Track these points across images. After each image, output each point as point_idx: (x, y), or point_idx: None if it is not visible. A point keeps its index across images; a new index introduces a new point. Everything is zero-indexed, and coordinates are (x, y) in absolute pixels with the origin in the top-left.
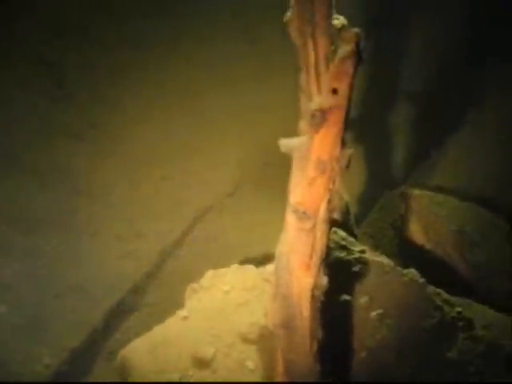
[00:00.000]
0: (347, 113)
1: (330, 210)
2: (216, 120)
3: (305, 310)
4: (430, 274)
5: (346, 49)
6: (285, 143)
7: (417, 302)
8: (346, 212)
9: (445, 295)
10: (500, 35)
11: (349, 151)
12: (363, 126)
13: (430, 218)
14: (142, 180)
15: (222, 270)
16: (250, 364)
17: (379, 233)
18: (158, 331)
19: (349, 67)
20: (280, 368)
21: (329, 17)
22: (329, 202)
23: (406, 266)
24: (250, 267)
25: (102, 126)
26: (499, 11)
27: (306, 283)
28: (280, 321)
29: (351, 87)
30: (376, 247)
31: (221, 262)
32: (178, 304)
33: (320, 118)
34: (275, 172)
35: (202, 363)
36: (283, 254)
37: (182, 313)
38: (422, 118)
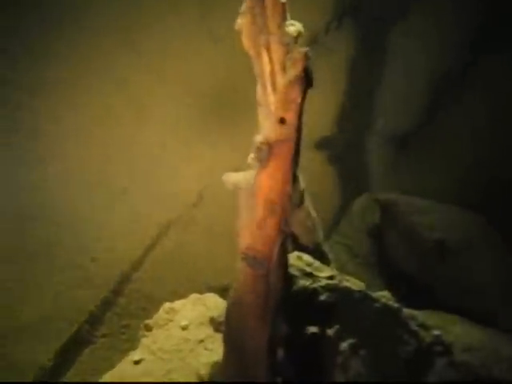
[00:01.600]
0: (297, 144)
1: (284, 253)
2: None
3: (260, 364)
4: (408, 287)
5: (291, 73)
6: (229, 178)
7: (391, 329)
8: (313, 230)
9: (421, 318)
10: None
11: (301, 186)
12: (330, 131)
13: (408, 225)
14: (94, 193)
15: (179, 303)
16: None
17: (355, 243)
18: (109, 378)
19: (296, 94)
20: None
21: (283, 23)
22: (282, 243)
23: (383, 282)
24: (211, 296)
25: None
26: None
27: (261, 334)
28: (234, 376)
29: (300, 116)
30: (352, 256)
31: (184, 285)
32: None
33: (267, 151)
34: None
35: None
36: (234, 304)
37: (134, 356)
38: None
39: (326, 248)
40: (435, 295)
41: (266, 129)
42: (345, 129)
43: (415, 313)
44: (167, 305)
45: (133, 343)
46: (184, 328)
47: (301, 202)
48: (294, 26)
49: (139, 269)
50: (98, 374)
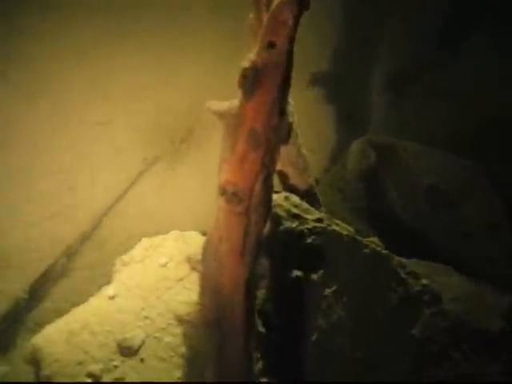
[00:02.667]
0: (287, 73)
1: (267, 190)
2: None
3: (237, 305)
4: (398, 234)
5: None
6: (213, 106)
7: (378, 275)
8: (304, 170)
9: (410, 266)
10: None
11: (288, 120)
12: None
13: (401, 170)
14: (75, 125)
15: (159, 238)
16: (185, 351)
17: (346, 186)
18: (78, 314)
19: (288, 15)
20: (211, 368)
21: None
22: (265, 180)
23: (372, 228)
24: (193, 234)
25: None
26: None
27: (239, 275)
28: (211, 319)
29: (292, 40)
30: (344, 200)
31: (165, 223)
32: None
33: (252, 78)
34: None
35: (128, 351)
36: (211, 242)
37: (108, 291)
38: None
39: (316, 189)
40: (426, 243)
41: (253, 53)
42: (342, 67)
43: (405, 261)
44: (145, 240)
45: (110, 278)
46: (163, 265)
47: (288, 136)
48: None
49: (122, 203)
50: (73, 307)
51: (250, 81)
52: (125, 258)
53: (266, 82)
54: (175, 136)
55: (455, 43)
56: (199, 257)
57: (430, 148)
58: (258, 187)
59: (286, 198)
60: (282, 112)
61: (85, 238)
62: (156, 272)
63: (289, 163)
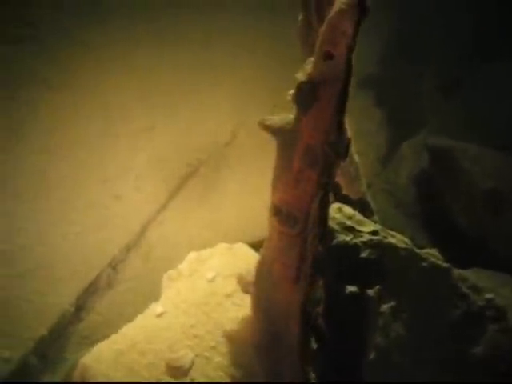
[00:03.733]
0: (346, 86)
1: (324, 210)
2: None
3: (292, 331)
4: (457, 242)
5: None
6: (266, 122)
7: (438, 290)
8: (355, 178)
9: (472, 280)
10: None
11: (347, 136)
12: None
13: (458, 174)
14: (119, 132)
15: (206, 252)
16: (236, 371)
17: (398, 190)
18: (127, 333)
19: (347, 25)
20: None
21: None
22: (322, 199)
23: (427, 235)
24: (241, 246)
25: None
26: None
27: (293, 300)
28: (263, 343)
29: (351, 51)
30: (396, 205)
31: (214, 231)
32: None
33: (309, 93)
34: None
35: (178, 372)
36: (264, 263)
37: (156, 308)
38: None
39: (369, 198)
40: (487, 251)
41: (310, 66)
42: (392, 66)
43: (466, 274)
44: (193, 254)
45: (157, 289)
46: (211, 280)
47: (346, 152)
48: None
49: (167, 211)
50: (120, 321)
51: (306, 95)
52: (172, 273)
53: (324, 96)
54: (219, 139)
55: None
56: (250, 276)
57: (488, 150)
58: (314, 207)
59: (339, 210)
60: (340, 127)
61: (130, 247)
62: (204, 287)
63: (340, 172)
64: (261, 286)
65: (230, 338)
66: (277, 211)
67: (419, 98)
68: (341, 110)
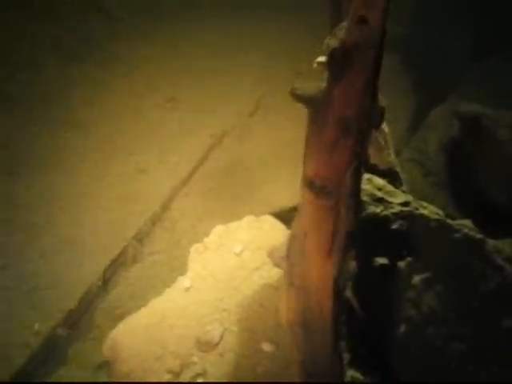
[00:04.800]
0: (380, 52)
1: (357, 181)
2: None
3: (326, 306)
4: (489, 212)
5: None
6: (297, 91)
7: (472, 262)
8: (385, 147)
9: (508, 251)
10: None
11: (382, 105)
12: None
13: (490, 142)
14: (145, 106)
15: (233, 225)
16: (266, 346)
17: (427, 159)
18: (156, 307)
19: None
20: (297, 370)
21: None
22: (355, 171)
23: (458, 206)
24: (267, 218)
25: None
26: None
27: (327, 274)
28: (296, 318)
29: (386, 15)
30: (426, 175)
31: (239, 203)
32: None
33: (342, 58)
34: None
35: (207, 346)
36: (296, 237)
37: (183, 282)
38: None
39: (398, 167)
40: None
41: (342, 31)
42: (419, 30)
43: (501, 244)
44: (219, 227)
45: (183, 262)
46: (238, 254)
47: (380, 122)
48: None
49: (191, 183)
50: (147, 294)
51: (339, 62)
52: (199, 246)
53: (357, 64)
54: (243, 110)
55: None
56: (281, 251)
57: None
58: (348, 178)
59: (369, 181)
60: (374, 95)
61: (155, 220)
62: (231, 261)
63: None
64: (293, 261)
65: (261, 313)
66: (310, 183)
67: (450, 62)
68: (375, 77)
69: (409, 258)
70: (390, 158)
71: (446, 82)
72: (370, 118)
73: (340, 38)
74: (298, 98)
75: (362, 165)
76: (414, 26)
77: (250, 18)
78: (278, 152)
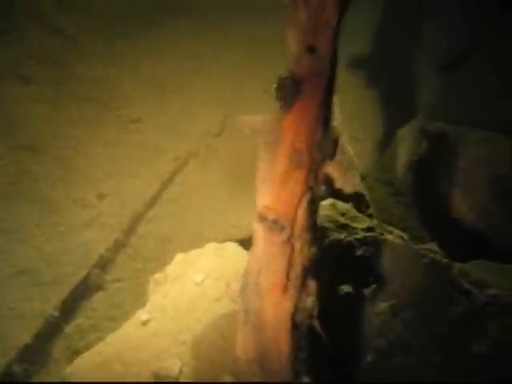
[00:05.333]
0: (331, 80)
1: (312, 213)
2: None
3: (282, 344)
4: (458, 233)
5: None
6: (246, 121)
7: (439, 287)
8: (349, 170)
9: (475, 274)
10: None
11: (335, 135)
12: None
13: (459, 160)
14: (106, 127)
15: (195, 253)
16: (226, 378)
17: (395, 178)
18: (112, 341)
19: (331, 13)
20: None
21: None
22: (310, 202)
23: (426, 227)
24: (230, 246)
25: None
26: None
27: (283, 311)
28: (253, 355)
29: (335, 42)
30: (394, 195)
31: (204, 228)
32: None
33: (292, 88)
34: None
35: (166, 381)
36: (251, 274)
37: (142, 315)
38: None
39: (364, 190)
40: (493, 243)
41: (293, 60)
42: (384, 47)
43: (468, 268)
44: (180, 256)
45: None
46: (200, 283)
47: (334, 152)
48: None
49: (155, 207)
50: (108, 324)
51: (289, 91)
52: (159, 276)
53: (307, 93)
54: (208, 130)
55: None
56: (237, 284)
57: (491, 134)
58: (301, 211)
59: (332, 206)
60: (327, 125)
61: (118, 247)
62: (192, 291)
63: (331, 164)
64: (248, 297)
65: (221, 344)
66: (262, 218)
67: (416, 78)
68: (327, 106)
69: (375, 285)
70: (356, 180)
71: (413, 97)
72: (323, 148)
73: (289, 68)
74: (247, 128)
75: (316, 196)
76: (383, 42)
77: (212, 37)
78: (244, 174)
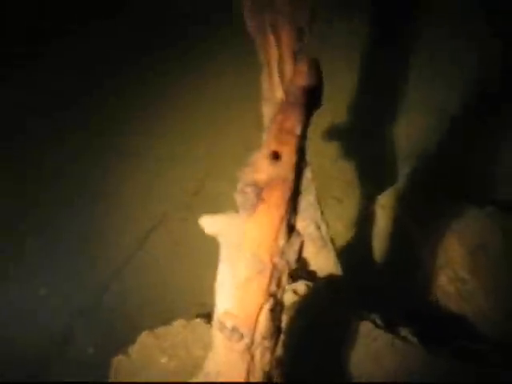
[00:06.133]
0: (295, 187)
1: (274, 321)
2: None
3: None
4: (439, 311)
5: (292, 90)
6: (207, 223)
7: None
8: (323, 246)
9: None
10: None
11: (299, 239)
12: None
13: (436, 231)
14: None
15: (161, 330)
16: None
17: (373, 246)
18: None
19: (295, 121)
20: None
21: None
22: (272, 309)
23: (403, 303)
24: (200, 324)
25: None
26: None
27: None
28: None
29: (300, 150)
30: (373, 268)
31: (175, 298)
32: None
33: (254, 196)
34: None
35: None
36: (209, 376)
37: None
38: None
39: (339, 269)
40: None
41: (254, 166)
42: (362, 116)
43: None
44: (145, 334)
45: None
46: (166, 364)
47: (298, 257)
48: None
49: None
50: None
51: (251, 198)
52: (122, 358)
53: (270, 200)
54: (187, 188)
55: None
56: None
57: (465, 205)
58: (262, 319)
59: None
60: (291, 230)
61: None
62: (158, 373)
63: (306, 238)
64: None
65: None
66: (220, 325)
67: (392, 148)
68: (291, 211)
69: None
70: (330, 260)
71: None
72: (287, 255)
73: (251, 174)
74: (207, 231)
75: (280, 302)
76: (360, 113)
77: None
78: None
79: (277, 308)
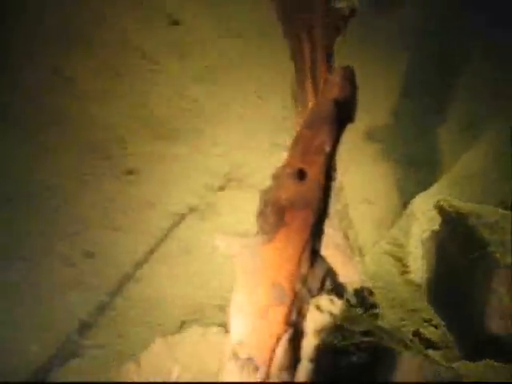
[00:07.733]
0: (321, 210)
1: (292, 353)
2: None
3: None
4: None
5: (322, 102)
6: (223, 243)
7: None
8: (351, 256)
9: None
10: None
11: (323, 266)
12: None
13: (473, 242)
14: (97, 178)
15: (175, 338)
16: None
17: (405, 254)
18: None
19: (325, 138)
20: None
21: None
22: (290, 341)
23: (438, 312)
24: (218, 332)
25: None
26: None
27: None
28: None
29: (329, 169)
30: (402, 271)
31: (196, 295)
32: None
33: (274, 218)
34: None
35: None
36: None
37: None
38: None
39: (368, 282)
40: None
41: (277, 182)
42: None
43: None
44: (158, 341)
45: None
46: (177, 377)
47: (322, 286)
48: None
49: (145, 267)
50: None
51: (271, 221)
52: (131, 366)
53: (293, 223)
54: (211, 183)
55: None
56: None
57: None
58: (280, 351)
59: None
60: (315, 256)
61: (100, 309)
62: None
63: (333, 248)
64: None
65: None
66: (234, 354)
67: (435, 149)
68: (315, 238)
69: None
70: (358, 272)
71: (431, 168)
72: (310, 283)
73: (273, 193)
74: (223, 252)
75: (298, 334)
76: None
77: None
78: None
79: (296, 339)
